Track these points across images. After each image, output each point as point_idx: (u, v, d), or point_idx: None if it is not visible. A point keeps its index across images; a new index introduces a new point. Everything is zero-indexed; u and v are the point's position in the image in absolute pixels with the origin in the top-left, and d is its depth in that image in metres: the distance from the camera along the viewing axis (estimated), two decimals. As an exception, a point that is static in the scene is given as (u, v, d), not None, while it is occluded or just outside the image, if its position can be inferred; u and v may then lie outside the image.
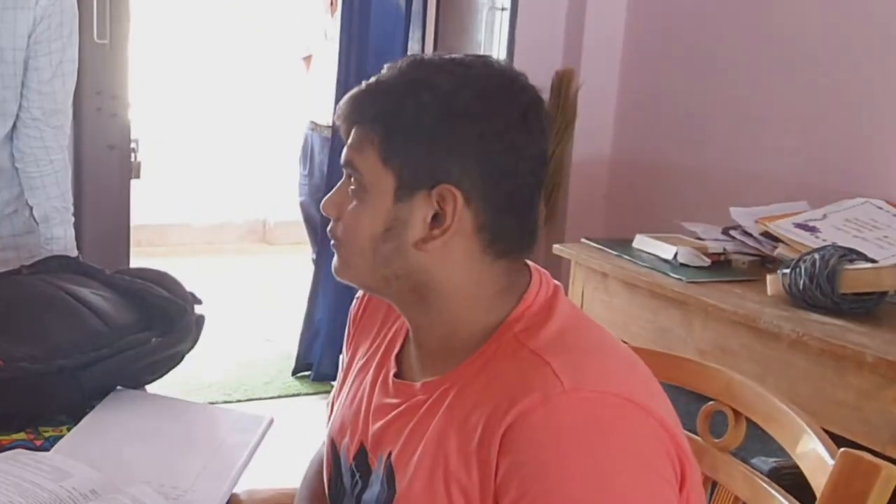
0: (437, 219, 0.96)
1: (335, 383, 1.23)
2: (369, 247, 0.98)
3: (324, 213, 1.03)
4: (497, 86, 0.98)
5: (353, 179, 0.99)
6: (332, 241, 1.04)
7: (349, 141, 0.99)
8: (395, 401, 1.03)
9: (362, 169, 0.97)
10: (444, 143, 0.95)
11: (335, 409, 1.16)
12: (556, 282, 1.03)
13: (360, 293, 1.19)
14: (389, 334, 1.11)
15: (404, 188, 0.96)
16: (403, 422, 1.00)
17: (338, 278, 1.04)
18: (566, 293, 1.04)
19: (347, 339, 1.20)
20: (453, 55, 1.01)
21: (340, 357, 1.23)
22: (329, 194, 1.03)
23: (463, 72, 0.97)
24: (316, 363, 3.69)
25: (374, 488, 1.01)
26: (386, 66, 1.01)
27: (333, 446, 1.12)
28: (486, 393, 0.92)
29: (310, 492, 1.21)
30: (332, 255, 1.04)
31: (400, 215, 0.97)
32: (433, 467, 0.94)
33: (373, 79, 1.00)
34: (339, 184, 1.03)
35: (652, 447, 0.89)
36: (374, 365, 1.10)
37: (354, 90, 1.01)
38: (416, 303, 1.01)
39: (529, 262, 1.03)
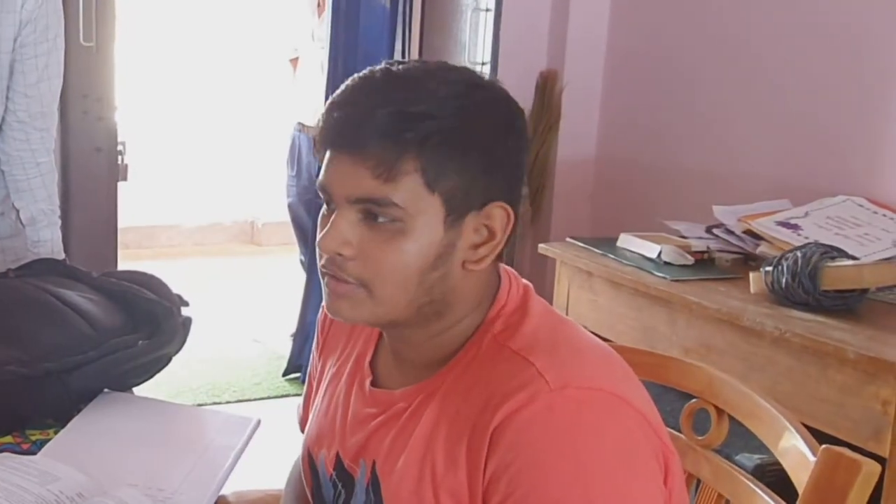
0: (479, 234, 0.93)
1: (304, 388, 1.21)
2: (415, 280, 0.91)
3: (329, 254, 0.91)
4: (506, 91, 0.96)
5: (371, 213, 0.90)
6: (329, 279, 0.92)
7: (360, 171, 0.88)
8: (373, 410, 1.00)
9: (403, 202, 0.88)
10: (496, 160, 0.92)
11: (310, 418, 1.14)
12: (525, 281, 1.02)
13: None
14: (360, 341, 1.09)
15: (455, 212, 0.91)
16: (385, 430, 0.98)
17: (350, 320, 0.95)
18: (552, 292, 1.04)
19: (317, 346, 1.17)
20: (419, 62, 0.96)
21: (310, 362, 1.20)
22: (329, 231, 0.91)
23: (478, 80, 0.94)
24: (307, 365, 3.69)
25: (360, 498, 1.00)
26: (359, 78, 0.92)
27: (310, 457, 1.10)
28: (472, 396, 0.91)
29: (295, 493, 1.20)
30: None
31: (450, 240, 0.91)
32: (420, 473, 0.93)
33: (363, 95, 0.89)
34: (336, 217, 0.91)
35: (639, 443, 0.89)
36: (346, 373, 1.08)
37: (347, 111, 0.90)
38: (428, 322, 0.95)
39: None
